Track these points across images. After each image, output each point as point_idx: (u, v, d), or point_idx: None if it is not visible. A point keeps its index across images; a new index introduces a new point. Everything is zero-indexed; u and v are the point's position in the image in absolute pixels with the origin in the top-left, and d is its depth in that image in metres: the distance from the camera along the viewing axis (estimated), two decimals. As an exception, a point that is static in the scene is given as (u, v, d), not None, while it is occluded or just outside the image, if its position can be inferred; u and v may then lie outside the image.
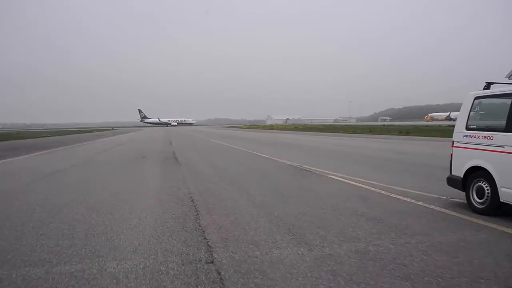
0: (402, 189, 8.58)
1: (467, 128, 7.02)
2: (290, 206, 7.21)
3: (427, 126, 71.48)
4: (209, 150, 22.88)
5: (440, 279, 3.80)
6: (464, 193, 6.95)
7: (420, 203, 7.26)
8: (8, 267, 4.26)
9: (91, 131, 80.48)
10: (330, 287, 3.66)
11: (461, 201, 7.14)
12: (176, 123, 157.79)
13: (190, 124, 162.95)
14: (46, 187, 10.03)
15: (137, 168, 14.20)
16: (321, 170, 12.07)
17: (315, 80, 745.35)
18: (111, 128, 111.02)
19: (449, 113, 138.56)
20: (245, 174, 12.01)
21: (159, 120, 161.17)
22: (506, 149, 6.05)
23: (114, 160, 17.76)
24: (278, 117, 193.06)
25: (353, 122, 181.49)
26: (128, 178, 11.66)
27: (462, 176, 6.91)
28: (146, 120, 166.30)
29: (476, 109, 7.11)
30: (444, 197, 7.63)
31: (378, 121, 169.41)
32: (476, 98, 7.04)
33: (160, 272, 4.04)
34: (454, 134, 7.34)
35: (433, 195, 7.84)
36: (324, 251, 4.68)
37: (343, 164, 14.37)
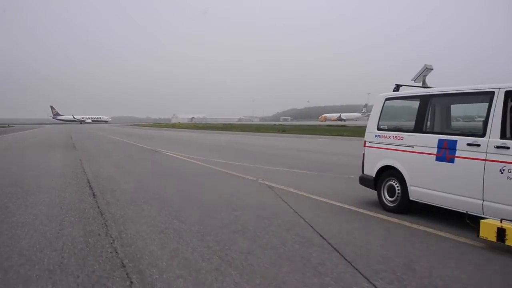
0: (200, 157, 16.70)
1: (379, 129, 7.19)
2: (132, 163, 15.11)
3: (308, 125, 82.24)
4: (102, 142, 29.76)
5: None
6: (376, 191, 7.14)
7: (201, 162, 15.45)
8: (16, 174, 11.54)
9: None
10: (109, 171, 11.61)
11: (221, 160, 15.70)
12: (90, 121, 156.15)
13: (106, 121, 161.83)
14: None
15: (46, 150, 20.84)
16: (165, 150, 20.01)
17: (226, 81, 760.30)
18: (6, 125, 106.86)
19: (339, 114, 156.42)
20: (117, 153, 19.60)
21: (73, 117, 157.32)
22: (415, 149, 6.25)
23: (27, 147, 23.84)
24: (184, 116, 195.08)
25: (256, 121, 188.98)
26: (42, 154, 18.47)
27: (374, 176, 7.09)
28: (59, 117, 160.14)
29: (386, 110, 7.22)
30: (213, 159, 16.02)
31: (280, 121, 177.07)
32: (387, 99, 7.23)
33: (64, 173, 11.67)
34: (366, 134, 7.50)
35: (215, 160, 16.04)
36: (129, 170, 12.62)
37: (185, 148, 22.46)
